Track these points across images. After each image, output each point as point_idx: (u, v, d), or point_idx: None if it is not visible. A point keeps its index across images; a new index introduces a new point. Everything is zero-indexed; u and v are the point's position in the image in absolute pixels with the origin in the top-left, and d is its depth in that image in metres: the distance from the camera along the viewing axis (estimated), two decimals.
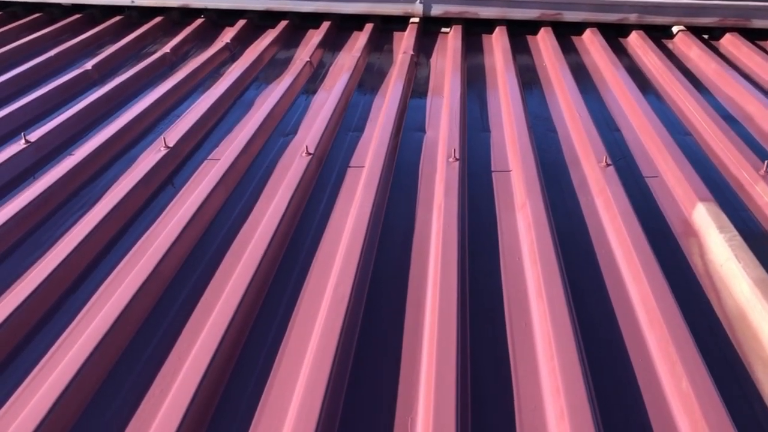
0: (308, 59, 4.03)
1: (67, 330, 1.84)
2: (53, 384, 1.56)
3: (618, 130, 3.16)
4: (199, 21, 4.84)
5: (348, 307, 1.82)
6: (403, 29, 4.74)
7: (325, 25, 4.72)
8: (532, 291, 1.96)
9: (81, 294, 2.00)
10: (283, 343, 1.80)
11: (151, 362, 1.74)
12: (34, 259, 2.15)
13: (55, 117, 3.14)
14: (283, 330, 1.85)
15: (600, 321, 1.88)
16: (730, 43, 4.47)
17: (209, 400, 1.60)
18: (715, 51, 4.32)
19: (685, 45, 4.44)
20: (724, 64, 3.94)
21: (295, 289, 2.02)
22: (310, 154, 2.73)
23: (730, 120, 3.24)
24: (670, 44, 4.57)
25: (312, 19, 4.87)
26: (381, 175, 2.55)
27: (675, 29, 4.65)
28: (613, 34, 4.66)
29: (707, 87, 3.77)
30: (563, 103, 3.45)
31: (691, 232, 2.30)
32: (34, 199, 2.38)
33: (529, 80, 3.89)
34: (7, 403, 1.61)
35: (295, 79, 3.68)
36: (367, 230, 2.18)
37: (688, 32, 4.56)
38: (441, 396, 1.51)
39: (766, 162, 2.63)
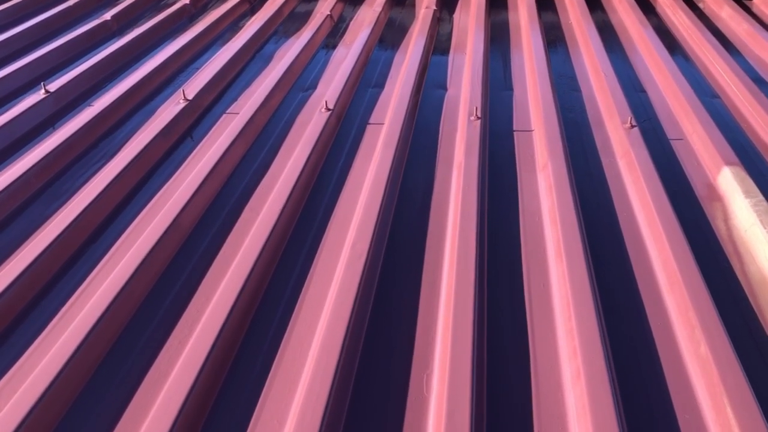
0: (329, 13, 3.96)
1: (87, 280, 1.86)
2: (73, 333, 1.58)
3: (644, 91, 3.09)
4: None
5: (366, 264, 1.82)
6: None
7: None
8: (551, 252, 1.95)
9: (101, 244, 2.02)
10: (300, 297, 1.80)
11: (169, 313, 1.75)
12: (54, 208, 2.17)
13: (75, 67, 3.13)
14: (300, 284, 1.86)
15: (619, 284, 1.86)
16: (763, 2, 4.33)
17: (227, 351, 1.62)
18: (747, 11, 4.18)
19: (716, 4, 4.31)
20: (756, 24, 3.81)
21: (313, 244, 2.02)
22: (329, 109, 2.70)
23: (760, 83, 3.15)
24: (700, 3, 4.43)
25: None
26: (401, 132, 2.52)
27: None
28: None
29: (738, 48, 3.66)
30: (588, 62, 3.38)
31: (716, 196, 2.26)
32: (54, 149, 2.39)
33: (554, 38, 3.80)
34: (34, 344, 1.65)
35: (315, 34, 3.63)
36: (385, 188, 2.16)
37: None
38: (457, 354, 1.51)
39: None
